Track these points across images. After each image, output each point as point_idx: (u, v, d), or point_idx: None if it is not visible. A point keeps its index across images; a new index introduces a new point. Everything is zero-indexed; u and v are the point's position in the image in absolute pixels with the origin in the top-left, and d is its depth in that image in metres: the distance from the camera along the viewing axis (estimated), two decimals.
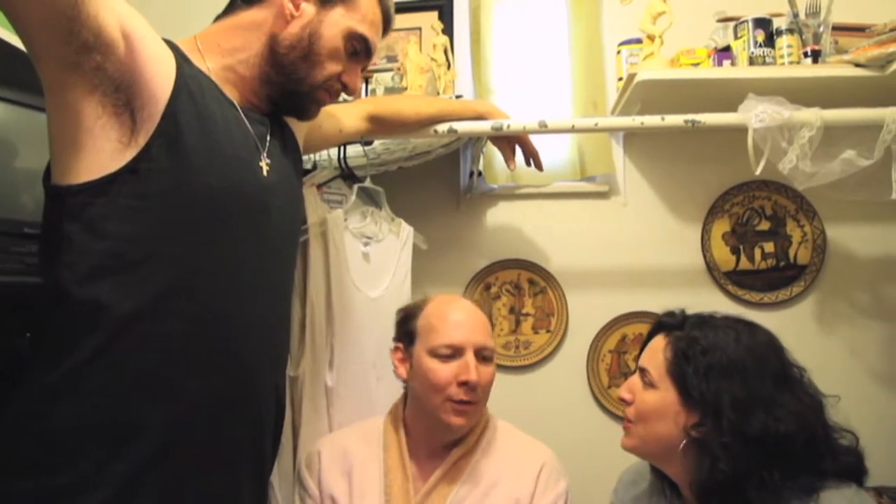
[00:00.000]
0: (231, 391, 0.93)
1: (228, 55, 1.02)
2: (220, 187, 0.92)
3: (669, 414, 0.99)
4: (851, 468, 0.96)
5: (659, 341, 1.06)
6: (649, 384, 1.03)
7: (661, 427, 1.00)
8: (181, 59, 0.93)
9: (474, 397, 1.18)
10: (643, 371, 1.05)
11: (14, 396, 0.84)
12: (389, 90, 1.78)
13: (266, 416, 1.03)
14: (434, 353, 1.19)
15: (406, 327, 1.26)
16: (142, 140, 0.85)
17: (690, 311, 1.10)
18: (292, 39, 1.02)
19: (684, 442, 0.97)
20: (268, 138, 1.05)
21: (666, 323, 1.08)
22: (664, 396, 1.00)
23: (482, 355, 1.21)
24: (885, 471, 1.70)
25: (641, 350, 1.11)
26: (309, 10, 1.03)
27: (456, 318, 1.22)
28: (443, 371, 1.17)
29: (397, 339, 1.29)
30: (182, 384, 0.87)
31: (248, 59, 1.02)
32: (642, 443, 1.04)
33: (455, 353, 1.18)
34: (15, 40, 1.14)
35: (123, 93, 0.84)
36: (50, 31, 0.77)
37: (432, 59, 1.80)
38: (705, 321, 1.04)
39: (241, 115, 1.01)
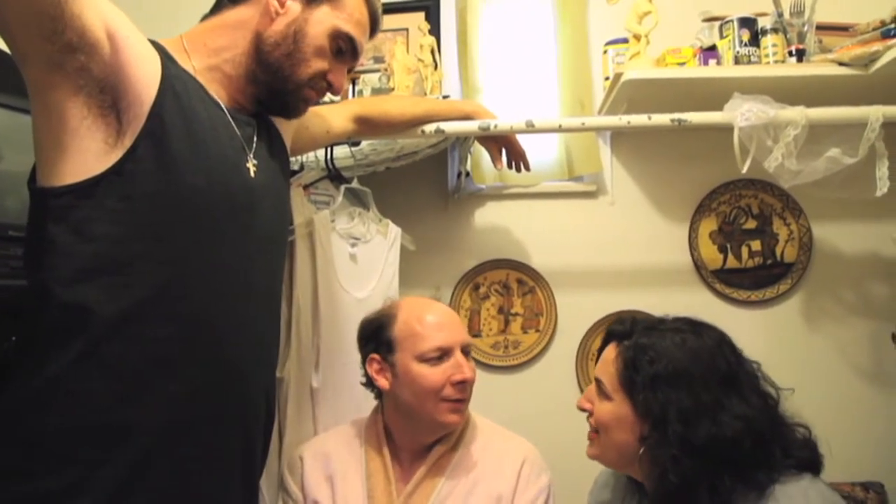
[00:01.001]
0: (221, 393, 0.93)
1: (214, 55, 1.01)
2: (207, 188, 0.91)
3: (626, 424, 1.00)
4: (805, 461, 0.97)
5: (610, 351, 1.06)
6: (605, 395, 1.04)
7: (619, 437, 1.01)
8: (166, 59, 0.92)
9: (467, 394, 1.21)
10: (598, 382, 1.06)
11: (1, 401, 0.83)
12: (376, 91, 1.77)
13: (257, 418, 1.03)
14: (423, 359, 1.18)
15: (381, 337, 1.23)
16: (128, 141, 0.84)
17: (678, 310, 1.11)
18: (277, 37, 1.01)
19: (642, 450, 0.98)
20: (254, 139, 1.05)
21: (615, 331, 1.08)
22: (619, 407, 1.01)
23: (466, 351, 1.23)
24: (870, 467, 1.72)
25: (597, 359, 1.11)
26: (294, 7, 1.02)
27: (436, 320, 1.22)
28: (435, 375, 1.17)
29: (373, 350, 1.24)
30: (170, 387, 0.86)
31: (234, 58, 1.02)
32: (604, 452, 1.06)
33: (444, 354, 1.19)
34: None
35: (109, 94, 0.83)
36: (33, 31, 0.76)
37: (419, 59, 1.80)
38: (653, 327, 1.04)
39: (228, 115, 1.00)
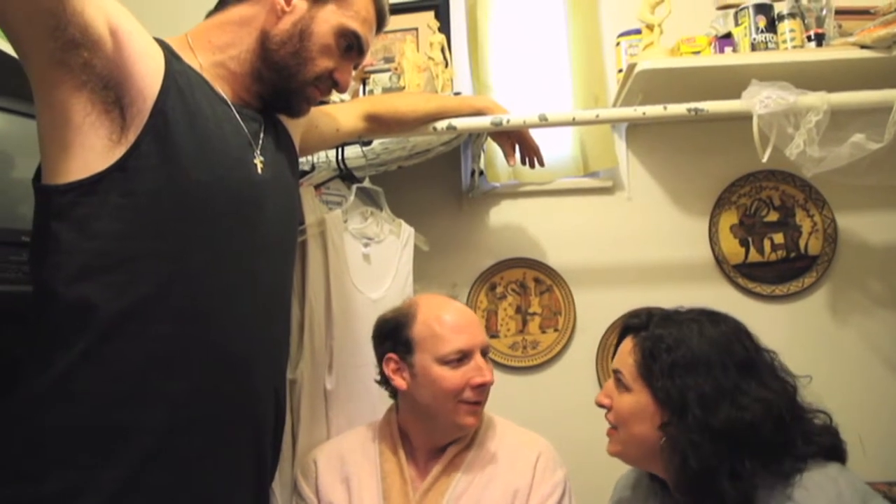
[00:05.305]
0: (227, 392, 0.91)
1: (219, 51, 1.01)
2: (211, 184, 0.90)
3: (646, 415, 1.00)
4: (828, 448, 0.96)
5: (627, 343, 1.07)
6: (624, 387, 1.04)
7: (639, 429, 1.01)
8: (170, 55, 0.92)
9: (485, 397, 1.20)
10: (617, 374, 1.06)
11: (5, 403, 0.82)
12: (387, 90, 1.76)
13: (265, 418, 1.01)
14: (443, 361, 1.16)
15: (399, 337, 1.20)
16: (131, 137, 0.84)
17: (699, 305, 1.09)
18: (283, 35, 1.01)
19: (663, 441, 0.97)
20: (261, 135, 1.04)
21: (632, 325, 1.09)
22: (639, 398, 1.01)
23: (485, 352, 1.21)
24: None
25: (614, 353, 1.11)
26: (301, 5, 1.01)
27: (456, 321, 1.20)
28: (455, 377, 1.16)
29: (390, 349, 1.22)
30: (175, 385, 0.85)
31: (238, 55, 1.01)
32: (625, 447, 1.05)
33: (464, 357, 1.17)
34: (9, 48, 1.13)
35: (112, 90, 0.83)
36: (35, 28, 0.76)
37: (429, 57, 1.78)
38: (669, 318, 1.05)
39: (234, 111, 0.99)
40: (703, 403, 0.93)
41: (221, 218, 0.91)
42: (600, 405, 1.09)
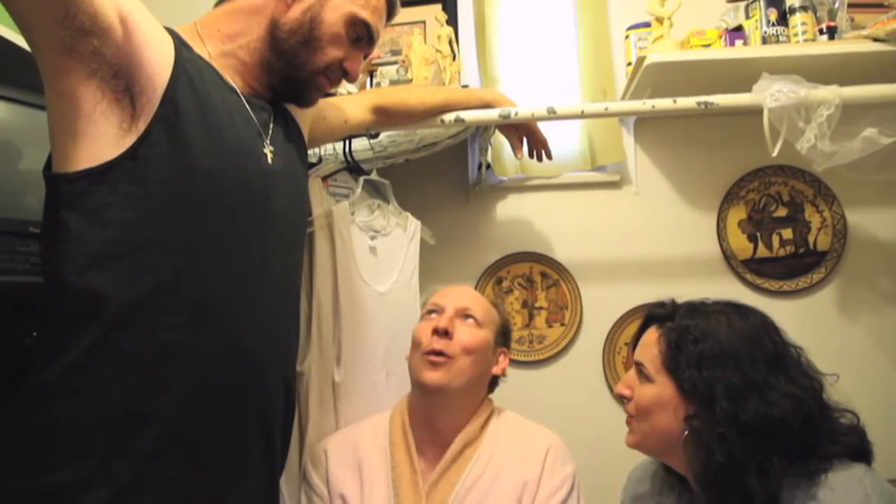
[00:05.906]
0: (237, 382, 0.90)
1: (229, 41, 1.00)
2: (221, 173, 0.89)
3: (669, 407, 0.98)
4: (854, 448, 0.94)
5: (651, 334, 1.05)
6: (646, 378, 1.02)
7: (661, 421, 0.99)
8: (180, 44, 0.91)
9: (447, 348, 1.18)
10: (639, 365, 1.04)
11: (16, 393, 0.81)
12: (394, 83, 1.75)
13: (275, 409, 1.00)
14: (422, 318, 1.27)
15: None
16: (141, 125, 0.83)
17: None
18: (293, 24, 1.00)
19: (685, 433, 0.96)
20: (270, 125, 1.03)
21: (657, 314, 1.07)
22: (662, 389, 0.99)
23: (463, 314, 1.24)
24: None
25: (635, 344, 1.10)
26: None
27: (448, 289, 1.30)
28: (424, 327, 1.23)
29: None
30: (184, 375, 0.84)
31: (248, 44, 1.00)
32: (645, 439, 1.03)
33: (436, 311, 1.25)
34: (18, 39, 1.13)
35: (122, 78, 0.82)
36: (45, 16, 0.76)
37: (437, 50, 1.77)
38: (696, 309, 1.03)
39: (243, 100, 0.99)
40: (732, 396, 0.91)
41: (231, 207, 0.91)
42: (621, 396, 1.07)
